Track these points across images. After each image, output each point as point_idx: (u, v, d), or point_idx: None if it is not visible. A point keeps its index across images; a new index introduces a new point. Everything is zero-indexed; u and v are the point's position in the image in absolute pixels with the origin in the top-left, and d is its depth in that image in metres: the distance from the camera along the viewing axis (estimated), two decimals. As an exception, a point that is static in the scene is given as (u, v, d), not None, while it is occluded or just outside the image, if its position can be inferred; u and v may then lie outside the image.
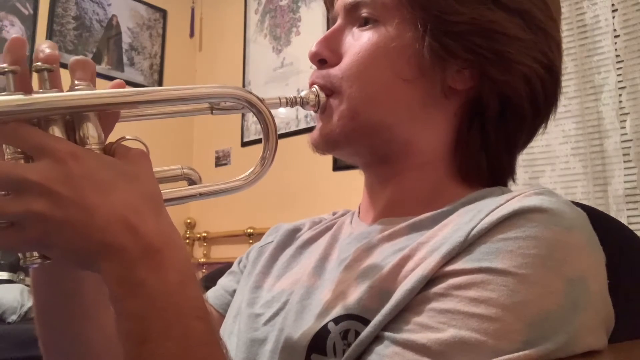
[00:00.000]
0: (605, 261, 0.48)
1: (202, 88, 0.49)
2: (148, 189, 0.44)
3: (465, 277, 0.44)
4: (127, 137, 0.47)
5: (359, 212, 0.67)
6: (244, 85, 3.25)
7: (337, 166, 2.60)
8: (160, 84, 3.43)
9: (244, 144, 3.21)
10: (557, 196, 0.49)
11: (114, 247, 0.40)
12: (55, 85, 0.44)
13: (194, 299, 0.43)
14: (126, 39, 3.31)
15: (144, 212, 0.42)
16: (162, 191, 0.46)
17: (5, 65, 0.42)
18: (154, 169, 0.46)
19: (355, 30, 0.60)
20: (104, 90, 0.45)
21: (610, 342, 0.48)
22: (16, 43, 0.44)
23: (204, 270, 3.05)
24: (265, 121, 0.52)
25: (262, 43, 3.21)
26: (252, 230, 2.93)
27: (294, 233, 0.71)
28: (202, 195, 0.51)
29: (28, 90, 0.43)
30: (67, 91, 0.44)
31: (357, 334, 0.47)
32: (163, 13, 3.51)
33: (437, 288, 0.45)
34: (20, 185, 0.40)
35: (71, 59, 0.46)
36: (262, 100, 0.52)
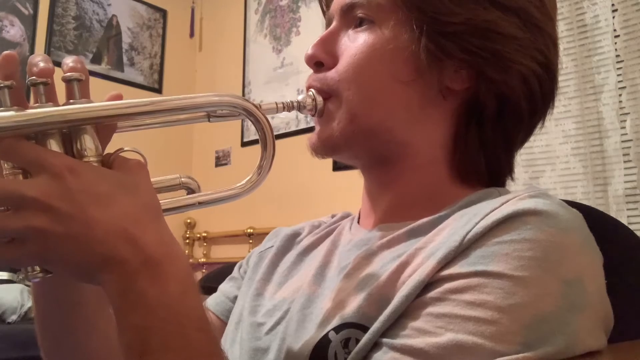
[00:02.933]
0: (602, 261, 0.48)
1: (199, 97, 0.49)
2: (147, 199, 0.44)
3: (461, 281, 0.44)
4: (125, 148, 0.47)
5: (358, 218, 0.66)
6: (244, 85, 3.25)
7: (337, 167, 2.60)
8: (160, 84, 3.43)
9: (244, 144, 3.21)
10: (551, 198, 0.49)
11: (114, 260, 0.40)
12: (51, 98, 0.44)
13: (194, 310, 0.43)
14: (126, 39, 3.31)
15: (143, 223, 0.42)
16: (160, 201, 0.46)
17: (0, 80, 0.42)
18: (152, 179, 0.46)
19: (351, 32, 0.60)
20: (100, 103, 0.45)
21: (610, 342, 0.47)
22: (7, 59, 0.44)
23: (204, 270, 3.05)
24: (263, 129, 0.52)
25: (262, 43, 3.21)
26: (252, 230, 2.93)
27: (293, 238, 0.71)
28: (200, 204, 0.51)
29: (23, 104, 0.43)
30: (63, 104, 0.44)
31: (358, 342, 0.46)
32: (163, 13, 3.51)
33: (434, 293, 0.45)
34: (19, 202, 0.40)
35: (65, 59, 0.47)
36: (259, 108, 0.52)
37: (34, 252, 0.41)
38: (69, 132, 0.44)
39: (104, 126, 0.47)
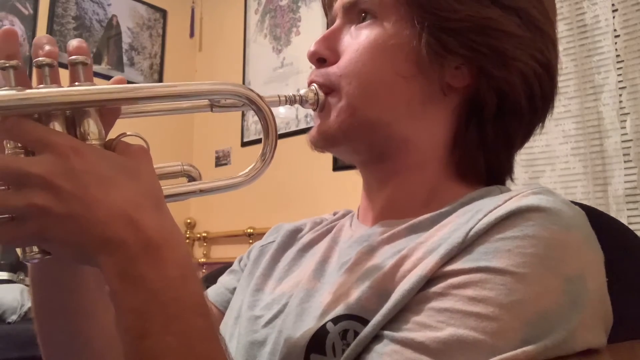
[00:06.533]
0: (603, 260, 0.48)
1: (202, 85, 0.49)
2: (149, 184, 0.44)
3: (463, 277, 0.44)
4: (128, 133, 0.47)
5: (357, 215, 0.66)
6: (243, 85, 3.25)
7: (337, 166, 2.60)
8: (160, 84, 3.43)
9: (244, 144, 3.21)
10: (555, 195, 0.49)
11: (114, 242, 0.40)
12: (55, 81, 0.44)
13: (194, 295, 0.42)
14: (126, 39, 3.31)
15: (145, 208, 0.42)
16: (162, 187, 0.46)
17: (4, 60, 0.42)
18: (154, 166, 0.46)
19: (353, 29, 0.60)
20: (104, 86, 0.45)
21: (610, 342, 0.48)
22: (8, 36, 0.44)
23: (204, 270, 3.05)
24: (265, 118, 0.52)
25: (262, 43, 3.21)
26: (252, 230, 2.93)
27: (295, 234, 0.71)
28: (202, 191, 0.51)
29: (26, 84, 0.43)
30: (68, 87, 0.44)
31: (356, 333, 0.47)
32: (163, 13, 3.51)
33: (436, 287, 0.45)
34: (21, 179, 0.40)
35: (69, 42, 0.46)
36: (262, 98, 0.52)
37: (34, 231, 0.40)
38: (72, 116, 0.44)
39: (108, 111, 0.47)
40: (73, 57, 0.44)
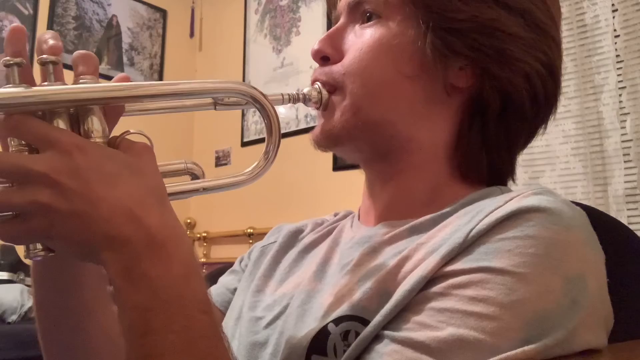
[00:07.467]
0: (604, 260, 0.48)
1: (206, 83, 0.49)
2: (152, 182, 0.44)
3: (464, 277, 0.44)
4: (131, 130, 0.47)
5: (358, 215, 0.66)
6: (244, 86, 3.25)
7: (337, 166, 2.61)
8: (160, 84, 3.43)
9: (244, 144, 3.21)
10: (556, 196, 0.49)
11: (118, 239, 0.40)
12: (59, 78, 0.44)
13: (197, 292, 0.42)
14: (126, 39, 3.31)
15: (148, 205, 0.42)
16: (165, 185, 0.46)
17: (9, 58, 0.42)
18: (158, 163, 0.46)
19: (358, 28, 0.60)
20: (108, 84, 0.45)
21: (610, 342, 0.47)
22: (16, 34, 0.44)
23: (204, 270, 3.05)
24: (269, 116, 0.52)
25: (262, 43, 3.22)
26: (252, 230, 2.93)
27: (296, 235, 0.71)
28: (205, 189, 0.51)
29: (31, 82, 0.43)
30: (72, 84, 0.44)
31: (357, 334, 0.47)
32: (163, 13, 3.51)
33: (437, 288, 0.45)
34: (25, 176, 0.40)
35: (75, 52, 0.46)
36: (265, 96, 0.52)
37: (38, 228, 0.40)
38: (76, 113, 0.44)
39: (112, 108, 0.47)
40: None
